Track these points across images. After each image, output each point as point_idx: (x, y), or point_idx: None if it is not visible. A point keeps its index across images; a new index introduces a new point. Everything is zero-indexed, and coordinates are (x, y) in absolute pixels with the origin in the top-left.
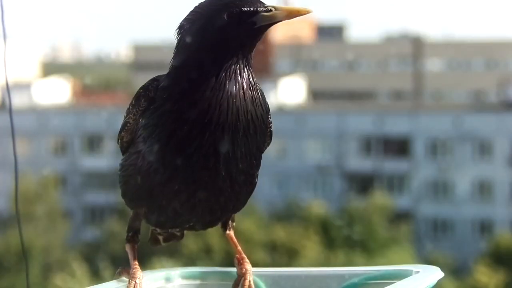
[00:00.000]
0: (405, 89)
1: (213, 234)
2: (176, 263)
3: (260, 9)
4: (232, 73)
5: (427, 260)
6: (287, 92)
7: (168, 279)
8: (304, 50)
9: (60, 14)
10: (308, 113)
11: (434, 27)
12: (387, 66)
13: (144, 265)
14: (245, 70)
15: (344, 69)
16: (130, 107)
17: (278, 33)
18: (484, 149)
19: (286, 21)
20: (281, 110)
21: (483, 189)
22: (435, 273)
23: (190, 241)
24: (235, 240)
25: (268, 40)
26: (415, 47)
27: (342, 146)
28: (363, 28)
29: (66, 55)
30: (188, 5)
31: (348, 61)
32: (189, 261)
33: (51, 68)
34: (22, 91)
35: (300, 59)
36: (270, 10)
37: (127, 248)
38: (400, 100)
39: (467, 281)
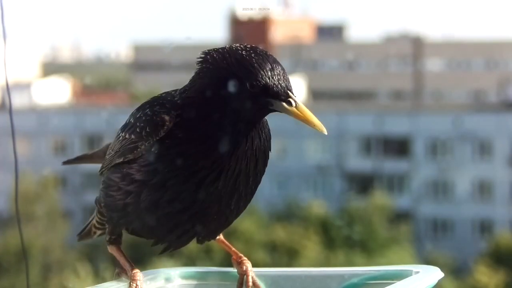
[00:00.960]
0: (405, 89)
1: None
2: (176, 263)
3: (282, 97)
4: (243, 138)
5: (427, 260)
6: None
7: (168, 279)
8: (304, 50)
9: (60, 14)
10: None
11: (434, 27)
12: (387, 66)
13: (144, 265)
14: (256, 135)
15: (344, 69)
16: (143, 133)
17: (278, 33)
18: (484, 149)
19: (286, 20)
20: None
21: (483, 189)
22: (435, 273)
23: None
24: (227, 242)
25: (268, 40)
26: (415, 47)
27: (342, 146)
28: (363, 28)
29: (66, 55)
30: (187, 6)
31: (348, 61)
32: (189, 261)
33: (51, 68)
34: (22, 91)
35: (300, 59)
36: (290, 103)
37: (112, 250)
38: (400, 100)
39: (467, 281)
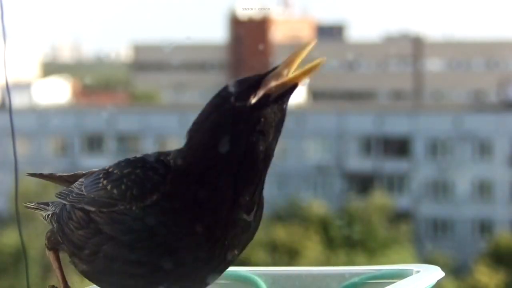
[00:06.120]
0: (405, 89)
1: None
2: None
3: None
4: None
5: (427, 260)
6: None
7: None
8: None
9: (60, 14)
10: (308, 113)
11: (434, 27)
12: (387, 66)
13: None
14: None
15: (344, 69)
16: (128, 193)
17: (278, 33)
18: (484, 149)
19: (286, 20)
20: None
21: (483, 189)
22: (436, 273)
23: None
24: None
25: (268, 40)
26: (415, 47)
27: (342, 146)
28: (363, 28)
29: (66, 55)
30: (187, 6)
31: (348, 61)
32: None
33: (51, 68)
34: (22, 91)
35: None
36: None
37: (50, 256)
38: (400, 100)
39: (467, 281)
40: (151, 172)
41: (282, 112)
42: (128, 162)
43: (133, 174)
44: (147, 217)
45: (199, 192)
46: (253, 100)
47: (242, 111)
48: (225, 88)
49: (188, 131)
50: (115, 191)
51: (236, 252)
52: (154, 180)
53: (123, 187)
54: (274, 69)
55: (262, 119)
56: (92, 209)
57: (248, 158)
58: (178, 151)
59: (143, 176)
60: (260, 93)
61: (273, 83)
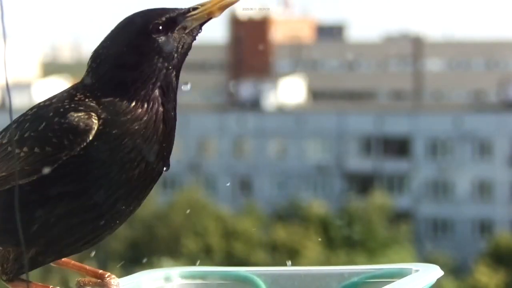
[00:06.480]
0: (405, 89)
1: (213, 234)
2: (176, 263)
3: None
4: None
5: (427, 260)
6: (287, 92)
7: (167, 279)
8: (304, 50)
9: (60, 14)
10: (308, 113)
11: (434, 27)
12: (387, 66)
13: (143, 265)
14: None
15: (344, 69)
16: (66, 141)
17: (278, 33)
18: (484, 149)
19: (286, 20)
20: (281, 110)
21: (483, 189)
22: (435, 272)
23: (190, 241)
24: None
25: (268, 40)
26: (415, 47)
27: (342, 146)
28: (363, 28)
29: (66, 55)
30: (187, 6)
31: (348, 61)
32: (189, 261)
33: (51, 68)
34: (22, 91)
35: (300, 59)
36: (196, 9)
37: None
38: (400, 100)
39: (467, 281)
40: (72, 113)
41: (191, 42)
42: (31, 120)
43: (53, 124)
44: (97, 151)
45: (133, 111)
46: (170, 32)
47: (159, 42)
48: (141, 16)
49: (96, 54)
50: (48, 148)
51: (164, 161)
52: (81, 117)
53: (54, 140)
54: (194, 8)
55: (178, 49)
56: (32, 178)
57: (163, 82)
58: (90, 81)
59: (67, 121)
60: (178, 26)
61: (189, 18)
